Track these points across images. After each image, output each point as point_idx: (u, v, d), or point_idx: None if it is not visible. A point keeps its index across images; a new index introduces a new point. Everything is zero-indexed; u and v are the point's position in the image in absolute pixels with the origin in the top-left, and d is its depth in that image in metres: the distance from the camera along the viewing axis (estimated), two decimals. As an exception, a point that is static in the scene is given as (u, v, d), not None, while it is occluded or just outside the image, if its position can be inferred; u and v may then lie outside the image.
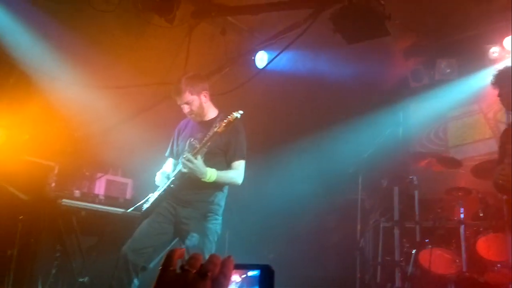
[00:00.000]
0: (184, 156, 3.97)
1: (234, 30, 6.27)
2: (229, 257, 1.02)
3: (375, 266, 5.65)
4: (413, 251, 5.14)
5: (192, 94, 4.14)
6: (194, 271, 0.97)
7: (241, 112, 3.88)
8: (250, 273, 1.04)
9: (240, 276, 1.04)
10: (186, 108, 4.17)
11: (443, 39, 6.74)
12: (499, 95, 4.43)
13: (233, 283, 1.02)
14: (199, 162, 3.92)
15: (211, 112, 4.29)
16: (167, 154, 4.48)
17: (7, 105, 4.78)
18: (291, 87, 6.67)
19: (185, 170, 3.95)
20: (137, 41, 5.83)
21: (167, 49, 5.95)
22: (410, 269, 5.09)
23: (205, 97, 4.22)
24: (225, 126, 3.88)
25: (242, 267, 1.04)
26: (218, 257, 1.01)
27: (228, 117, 3.89)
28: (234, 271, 1.01)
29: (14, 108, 4.78)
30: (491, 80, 4.50)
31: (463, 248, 4.81)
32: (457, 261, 4.89)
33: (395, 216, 5.41)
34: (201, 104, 4.19)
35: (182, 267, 0.98)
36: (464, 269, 4.70)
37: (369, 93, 6.90)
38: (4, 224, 4.34)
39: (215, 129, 3.92)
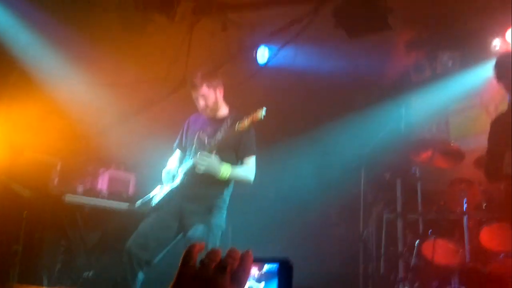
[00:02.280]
0: (200, 154, 3.99)
1: (235, 26, 6.27)
2: (247, 251, 1.02)
3: (378, 257, 5.64)
4: (416, 242, 5.14)
5: (209, 88, 4.17)
6: (214, 265, 0.97)
7: (264, 109, 3.89)
8: (268, 267, 1.04)
9: (259, 270, 1.04)
10: (201, 102, 4.20)
11: (445, 31, 6.72)
12: (498, 78, 4.40)
13: (252, 277, 1.02)
14: (215, 159, 3.95)
15: (224, 109, 4.33)
16: (175, 146, 4.50)
17: (9, 103, 4.80)
18: (292, 82, 6.67)
19: (201, 168, 3.96)
20: (139, 38, 5.84)
21: (169, 46, 5.96)
22: (413, 260, 5.08)
23: (220, 93, 4.27)
24: (248, 125, 3.90)
25: (261, 260, 1.04)
26: (237, 251, 1.01)
27: (251, 115, 3.90)
28: (253, 264, 1.01)
29: (15, 106, 4.80)
30: (494, 65, 4.48)
31: (466, 239, 4.78)
32: (461, 251, 4.87)
33: (398, 208, 5.41)
34: (216, 99, 4.23)
35: (201, 262, 0.98)
36: (468, 260, 4.68)
37: (371, 87, 6.89)
38: (9, 220, 4.37)
39: (237, 128, 3.93)
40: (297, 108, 6.97)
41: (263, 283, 1.03)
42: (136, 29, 5.84)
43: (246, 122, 3.89)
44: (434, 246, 4.85)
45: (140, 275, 4.04)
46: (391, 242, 5.53)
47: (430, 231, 5.13)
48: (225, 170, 3.98)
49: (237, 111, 4.26)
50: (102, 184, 5.09)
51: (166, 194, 4.17)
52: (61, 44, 5.36)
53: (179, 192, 4.12)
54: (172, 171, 4.26)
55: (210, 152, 3.99)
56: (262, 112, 3.87)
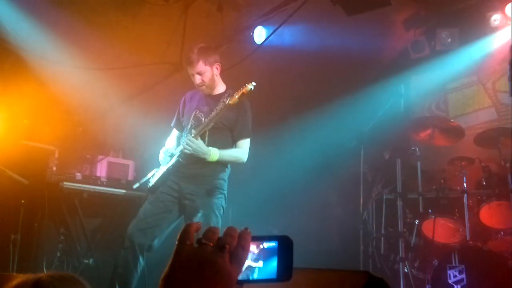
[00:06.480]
0: (186, 137, 3.98)
1: (231, 5, 6.18)
2: (246, 229, 1.02)
3: (378, 238, 5.65)
4: (416, 222, 5.15)
5: (205, 65, 4.13)
6: (212, 244, 0.96)
7: (254, 84, 3.86)
8: (267, 245, 1.04)
9: (258, 248, 1.03)
10: (197, 79, 4.17)
11: (444, 8, 6.66)
12: None
13: (251, 255, 1.02)
14: (200, 142, 3.93)
15: (220, 86, 4.30)
16: (172, 124, 4.49)
17: (4, 90, 4.74)
18: (290, 62, 6.61)
19: (187, 151, 3.96)
20: (133, 20, 5.76)
21: (164, 28, 5.89)
22: (413, 239, 5.10)
23: (217, 69, 4.23)
24: (238, 98, 3.87)
25: (259, 239, 1.04)
26: (235, 229, 1.00)
27: (241, 88, 3.88)
28: (252, 243, 1.01)
29: (11, 93, 4.75)
30: None
31: (466, 217, 4.79)
32: (461, 230, 4.89)
33: (398, 188, 5.39)
34: (213, 76, 4.19)
35: (199, 241, 0.97)
36: (468, 238, 4.69)
37: (369, 66, 6.83)
38: (7, 209, 4.34)
39: (227, 101, 3.90)
40: (295, 88, 6.92)
41: (261, 262, 1.02)
42: (130, 11, 5.76)
43: (236, 95, 3.86)
44: (434, 225, 4.86)
45: (141, 260, 4.07)
46: (391, 222, 5.52)
47: (430, 210, 5.13)
48: (213, 154, 3.97)
49: (233, 89, 4.22)
50: (101, 171, 5.06)
51: (163, 174, 4.16)
52: (55, 29, 5.28)
53: (176, 171, 4.12)
54: (169, 151, 4.25)
55: (203, 132, 3.98)
56: (250, 86, 3.85)
